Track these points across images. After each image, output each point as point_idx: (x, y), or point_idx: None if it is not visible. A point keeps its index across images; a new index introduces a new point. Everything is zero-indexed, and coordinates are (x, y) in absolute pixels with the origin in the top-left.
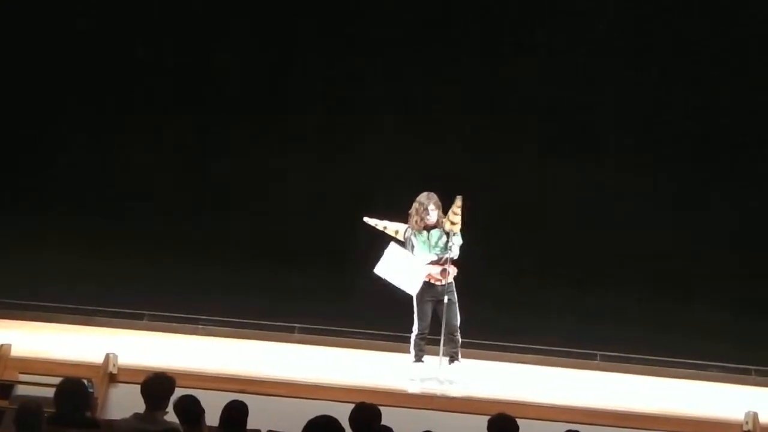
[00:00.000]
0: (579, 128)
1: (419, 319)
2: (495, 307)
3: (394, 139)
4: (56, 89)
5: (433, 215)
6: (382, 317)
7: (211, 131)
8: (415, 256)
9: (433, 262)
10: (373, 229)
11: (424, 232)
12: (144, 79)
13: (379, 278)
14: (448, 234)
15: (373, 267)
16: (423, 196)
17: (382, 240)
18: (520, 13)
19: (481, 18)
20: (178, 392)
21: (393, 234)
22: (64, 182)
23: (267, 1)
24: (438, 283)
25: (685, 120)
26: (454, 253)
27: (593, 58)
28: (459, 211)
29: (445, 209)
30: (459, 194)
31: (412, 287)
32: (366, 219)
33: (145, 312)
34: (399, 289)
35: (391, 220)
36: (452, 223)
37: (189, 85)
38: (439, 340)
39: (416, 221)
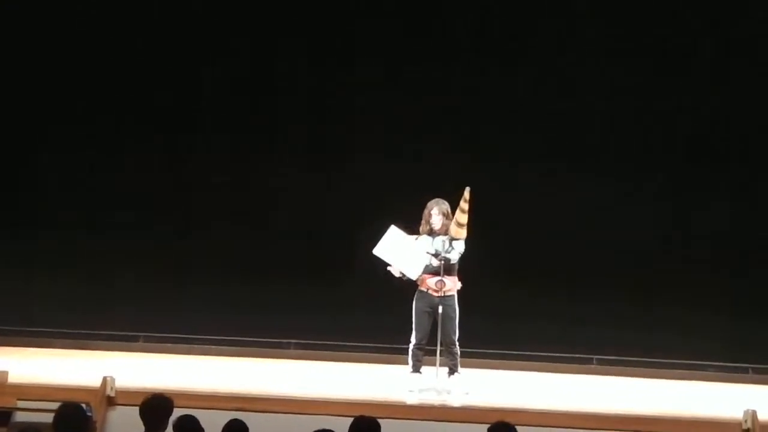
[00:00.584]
0: (572, 133)
1: (416, 329)
2: (489, 315)
3: (388, 151)
4: (44, 114)
5: (436, 220)
6: (377, 330)
7: (204, 150)
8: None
9: (431, 272)
10: (366, 244)
11: (429, 238)
12: (134, 99)
13: (375, 285)
14: (451, 241)
15: (365, 281)
16: (432, 201)
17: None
18: (512, 19)
19: (474, 24)
20: (177, 412)
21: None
22: (54, 206)
23: (260, 15)
24: (435, 293)
25: (678, 121)
26: (453, 257)
27: (586, 61)
28: (466, 206)
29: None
30: (468, 188)
31: (413, 271)
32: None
33: (140, 334)
34: (398, 292)
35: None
36: (459, 224)
37: (180, 103)
38: (437, 350)
39: (423, 225)
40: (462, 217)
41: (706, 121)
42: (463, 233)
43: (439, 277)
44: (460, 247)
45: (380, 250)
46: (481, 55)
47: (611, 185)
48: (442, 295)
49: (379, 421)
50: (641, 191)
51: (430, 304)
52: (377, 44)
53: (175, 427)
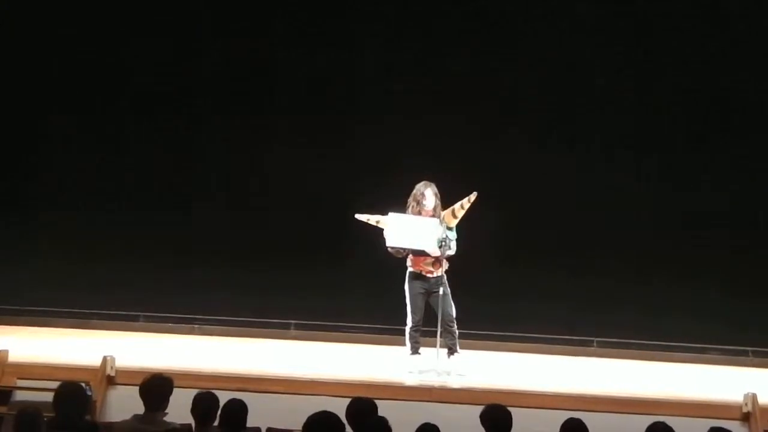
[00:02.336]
0: (571, 114)
1: (412, 311)
2: (490, 297)
3: (384, 134)
4: (41, 96)
5: (429, 201)
6: (376, 311)
7: (202, 131)
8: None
9: (422, 254)
10: (365, 225)
11: (435, 219)
12: (130, 81)
13: (374, 266)
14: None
15: (365, 262)
16: (421, 184)
17: (374, 234)
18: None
19: (464, 7)
20: (178, 392)
21: (384, 227)
22: (54, 187)
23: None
24: (429, 275)
25: (675, 104)
26: (454, 247)
27: (581, 42)
28: (468, 206)
29: (443, 201)
30: (474, 191)
31: (430, 245)
32: (357, 216)
33: (140, 313)
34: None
35: (382, 214)
36: (455, 216)
37: (177, 85)
38: (436, 331)
39: (413, 207)
40: (460, 212)
41: (706, 100)
42: (455, 222)
43: (434, 258)
44: (454, 236)
45: (392, 240)
46: (481, 36)
47: (612, 165)
48: (437, 275)
49: (379, 402)
50: (641, 171)
51: (426, 285)
52: (365, 34)
53: (195, 403)
